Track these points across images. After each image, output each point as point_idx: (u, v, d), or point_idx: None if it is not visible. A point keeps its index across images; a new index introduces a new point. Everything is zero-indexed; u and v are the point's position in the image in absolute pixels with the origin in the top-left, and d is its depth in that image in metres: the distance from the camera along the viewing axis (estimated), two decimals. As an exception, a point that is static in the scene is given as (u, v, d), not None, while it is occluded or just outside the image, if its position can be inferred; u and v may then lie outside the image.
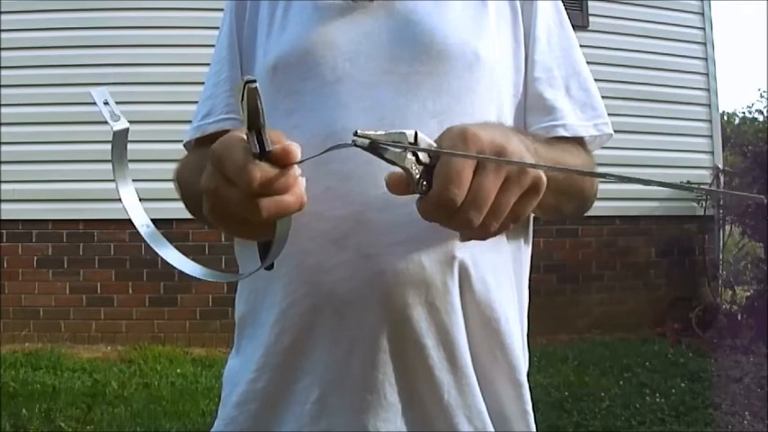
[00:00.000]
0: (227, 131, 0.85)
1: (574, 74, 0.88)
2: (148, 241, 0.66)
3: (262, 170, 0.57)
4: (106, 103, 0.66)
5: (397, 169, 0.59)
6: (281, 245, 0.64)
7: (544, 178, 0.62)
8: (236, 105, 0.77)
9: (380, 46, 0.80)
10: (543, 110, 0.85)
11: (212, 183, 0.61)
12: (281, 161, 0.58)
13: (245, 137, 0.59)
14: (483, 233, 0.62)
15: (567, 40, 0.90)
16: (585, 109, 0.87)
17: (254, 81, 0.55)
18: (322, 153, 0.61)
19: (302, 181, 0.61)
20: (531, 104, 0.86)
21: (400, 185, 0.61)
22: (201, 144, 0.90)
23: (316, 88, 0.80)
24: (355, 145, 0.58)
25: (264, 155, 0.58)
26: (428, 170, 0.60)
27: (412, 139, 0.58)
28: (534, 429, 0.84)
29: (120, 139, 0.68)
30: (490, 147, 0.60)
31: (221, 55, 0.91)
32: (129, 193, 0.68)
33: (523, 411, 0.82)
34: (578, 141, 0.86)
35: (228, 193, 0.60)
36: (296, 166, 0.60)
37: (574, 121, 0.85)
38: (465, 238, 0.65)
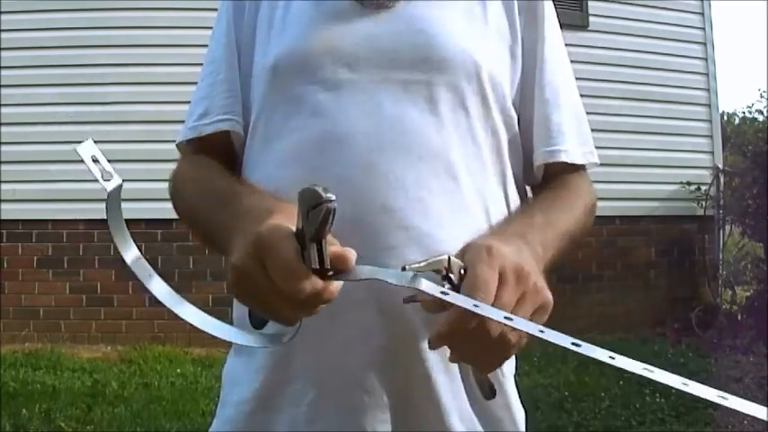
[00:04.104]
0: (224, 132, 0.86)
1: (574, 99, 0.91)
2: (165, 302, 0.62)
3: (313, 284, 0.58)
4: (95, 161, 0.59)
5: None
6: (294, 332, 0.65)
7: (551, 300, 0.69)
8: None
9: (381, 52, 0.80)
10: (548, 132, 0.87)
11: (248, 265, 0.61)
12: (337, 268, 0.59)
13: (295, 231, 0.59)
14: (502, 346, 0.67)
15: (567, 62, 0.92)
16: (580, 136, 0.90)
17: (334, 201, 0.55)
18: (363, 279, 0.61)
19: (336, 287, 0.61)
20: (537, 125, 0.88)
21: (432, 305, 0.65)
22: (197, 147, 0.89)
23: (315, 93, 0.80)
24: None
25: (320, 268, 0.57)
26: (455, 287, 0.64)
27: (446, 264, 0.64)
28: (522, 427, 0.85)
29: (114, 198, 0.62)
30: (510, 264, 0.65)
31: (217, 55, 0.90)
32: (132, 255, 0.63)
33: (510, 412, 0.84)
34: (575, 168, 0.89)
35: (263, 283, 0.60)
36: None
37: (574, 147, 0.88)
38: (485, 361, 0.70)
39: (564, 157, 0.86)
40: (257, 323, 0.70)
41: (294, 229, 0.59)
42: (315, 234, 0.56)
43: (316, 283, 0.58)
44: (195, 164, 0.88)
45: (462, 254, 0.67)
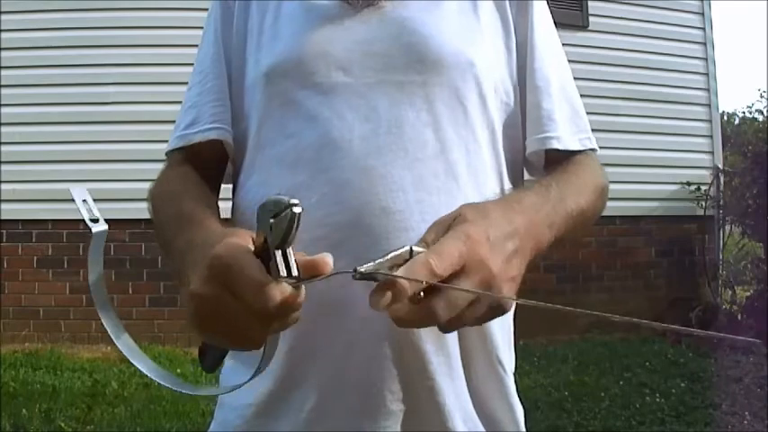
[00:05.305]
0: (215, 141, 0.86)
1: (566, 86, 0.90)
2: (119, 346, 0.66)
3: (282, 291, 0.54)
4: (85, 202, 0.63)
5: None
6: (268, 362, 0.62)
7: (511, 303, 0.63)
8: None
9: (374, 55, 0.80)
10: (539, 120, 0.86)
11: (209, 289, 0.57)
12: (312, 273, 0.56)
13: (253, 245, 0.56)
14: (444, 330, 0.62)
15: (560, 51, 0.92)
16: (574, 123, 0.88)
17: (299, 205, 0.53)
18: (327, 276, 0.57)
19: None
20: (529, 113, 0.87)
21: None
22: (185, 156, 0.88)
23: (310, 98, 0.80)
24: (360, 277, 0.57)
25: (289, 275, 0.55)
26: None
27: (407, 256, 0.58)
28: (522, 427, 0.85)
29: (98, 242, 0.64)
30: (480, 261, 0.59)
31: (206, 63, 0.89)
32: (107, 316, 0.68)
33: (511, 410, 0.83)
34: (572, 153, 0.87)
35: (228, 304, 0.56)
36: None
37: (566, 134, 0.86)
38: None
39: (556, 144, 0.85)
40: (211, 363, 0.70)
41: (251, 247, 0.57)
42: (280, 241, 0.54)
43: (284, 289, 0.55)
44: (174, 179, 0.86)
45: (443, 229, 0.62)
